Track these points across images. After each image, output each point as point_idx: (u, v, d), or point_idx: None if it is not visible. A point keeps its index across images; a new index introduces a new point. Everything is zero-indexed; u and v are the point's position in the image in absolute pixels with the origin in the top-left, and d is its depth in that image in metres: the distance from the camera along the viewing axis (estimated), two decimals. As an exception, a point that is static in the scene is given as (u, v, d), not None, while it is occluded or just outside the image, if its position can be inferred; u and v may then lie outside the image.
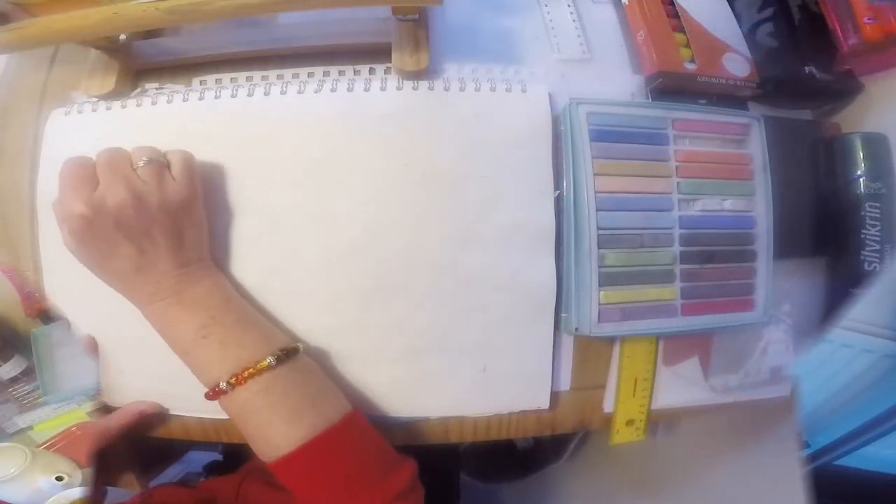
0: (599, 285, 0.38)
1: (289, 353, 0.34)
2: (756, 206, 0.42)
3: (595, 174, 0.38)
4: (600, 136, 0.38)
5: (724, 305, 0.41)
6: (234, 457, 0.65)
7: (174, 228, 0.33)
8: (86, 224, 0.31)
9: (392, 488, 0.33)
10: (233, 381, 0.32)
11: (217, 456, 0.73)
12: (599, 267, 0.38)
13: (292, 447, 0.32)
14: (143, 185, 0.32)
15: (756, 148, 0.42)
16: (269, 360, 0.33)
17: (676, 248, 0.40)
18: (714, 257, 0.40)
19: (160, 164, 0.33)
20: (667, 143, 0.40)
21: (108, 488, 0.47)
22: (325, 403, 0.34)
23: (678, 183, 0.40)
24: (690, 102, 0.42)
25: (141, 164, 0.33)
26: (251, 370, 0.32)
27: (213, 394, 0.33)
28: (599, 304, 0.38)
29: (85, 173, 0.32)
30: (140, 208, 0.32)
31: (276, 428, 0.32)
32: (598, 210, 0.38)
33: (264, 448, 0.33)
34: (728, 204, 0.41)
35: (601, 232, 0.38)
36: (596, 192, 0.38)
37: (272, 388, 0.33)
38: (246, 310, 0.36)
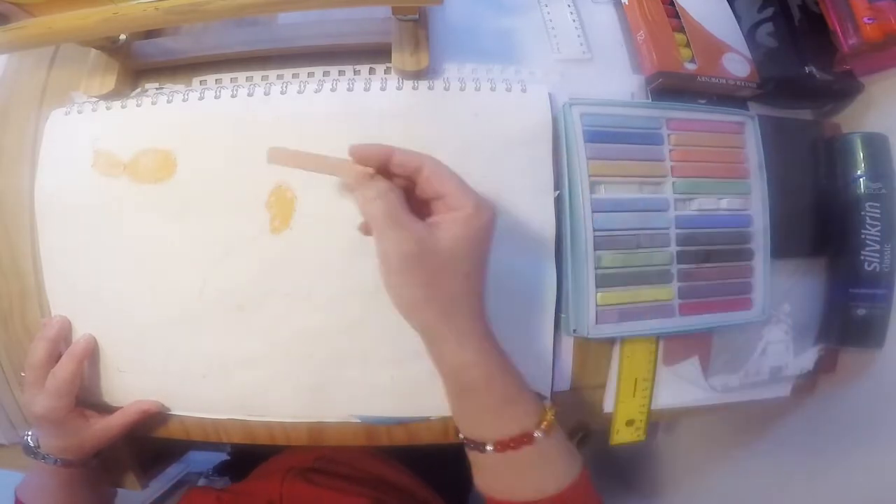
0: (597, 287, 0.38)
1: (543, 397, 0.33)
2: (752, 204, 0.42)
3: (590, 175, 0.38)
4: (595, 136, 0.39)
5: (722, 305, 0.41)
6: (243, 456, 0.65)
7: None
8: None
9: None
10: (545, 426, 0.30)
11: (224, 456, 0.73)
12: (596, 269, 0.38)
13: (560, 489, 0.30)
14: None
15: (751, 146, 0.42)
16: (548, 406, 0.31)
17: (673, 249, 0.40)
18: (711, 257, 0.40)
19: None
20: (662, 142, 0.40)
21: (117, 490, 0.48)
22: (576, 456, 0.33)
23: (674, 183, 0.40)
24: (690, 102, 0.42)
25: None
26: (550, 419, 0.31)
27: (517, 442, 0.30)
28: (597, 305, 0.38)
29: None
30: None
31: (552, 476, 0.31)
32: (593, 212, 0.38)
33: (521, 492, 0.31)
34: (724, 203, 0.41)
35: (597, 233, 0.38)
36: (591, 194, 0.38)
37: (558, 435, 0.31)
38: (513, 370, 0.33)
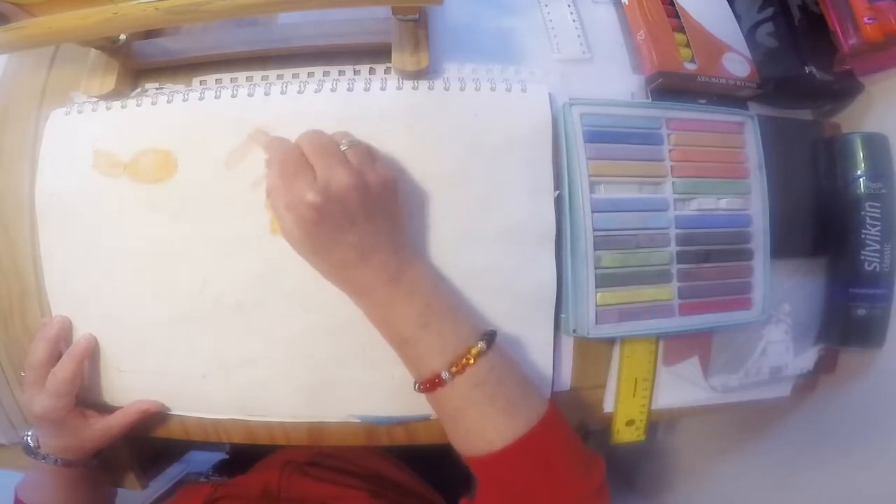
0: (596, 287, 0.38)
1: (491, 336, 0.33)
2: (752, 204, 0.42)
3: (590, 175, 0.38)
4: (595, 136, 0.38)
5: (722, 305, 0.41)
6: (242, 456, 0.65)
7: (389, 212, 0.33)
8: (315, 212, 0.30)
9: (594, 480, 0.33)
10: (454, 370, 0.31)
11: (223, 456, 0.73)
12: (596, 268, 0.38)
13: (507, 442, 0.31)
14: (358, 167, 0.31)
15: (751, 146, 0.42)
16: (480, 345, 0.32)
17: (673, 248, 0.40)
18: (711, 256, 0.40)
19: (363, 145, 0.33)
20: (661, 142, 0.40)
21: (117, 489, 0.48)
22: (532, 393, 0.33)
23: (674, 183, 0.40)
24: (690, 102, 0.42)
25: (344, 146, 0.32)
26: (468, 358, 0.31)
27: (431, 385, 0.32)
28: (597, 305, 0.38)
29: (299, 159, 0.31)
30: (362, 191, 0.30)
31: (492, 422, 0.31)
32: (593, 212, 0.38)
33: (473, 443, 0.32)
34: (724, 203, 0.41)
35: (597, 233, 0.38)
36: (591, 194, 0.38)
37: (488, 378, 0.31)
38: (451, 293, 0.35)
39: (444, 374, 0.31)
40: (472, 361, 0.31)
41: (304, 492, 0.45)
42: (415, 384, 0.33)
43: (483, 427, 0.31)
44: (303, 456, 0.51)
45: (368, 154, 0.33)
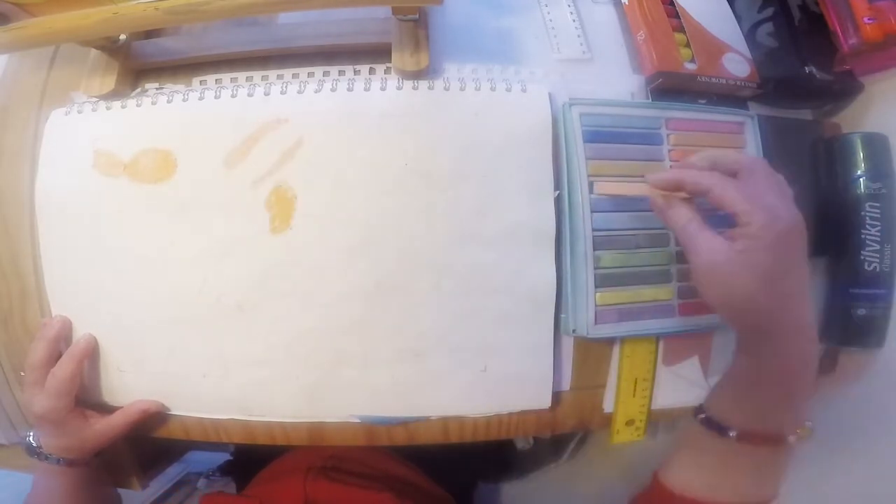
0: (596, 287, 0.38)
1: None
2: (753, 204, 0.41)
3: (590, 175, 0.38)
4: (594, 137, 0.38)
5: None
6: (246, 456, 0.65)
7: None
8: (791, 225, 0.30)
9: None
10: (799, 432, 0.32)
11: (226, 456, 0.73)
12: (595, 269, 0.38)
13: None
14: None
15: (751, 146, 0.42)
16: (808, 424, 0.32)
17: (672, 248, 0.40)
18: (711, 257, 0.40)
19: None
20: (661, 142, 0.40)
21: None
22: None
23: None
24: (690, 102, 0.42)
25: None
26: (802, 432, 0.32)
27: (763, 441, 0.32)
28: (596, 305, 0.38)
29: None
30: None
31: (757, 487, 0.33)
32: (592, 211, 0.38)
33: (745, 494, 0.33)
34: (724, 203, 0.41)
35: (596, 233, 0.38)
36: (591, 194, 0.38)
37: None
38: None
39: (791, 439, 0.31)
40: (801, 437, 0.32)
41: (332, 497, 0.45)
42: (728, 431, 0.32)
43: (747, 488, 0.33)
44: (319, 460, 0.51)
45: None
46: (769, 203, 0.30)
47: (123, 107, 0.40)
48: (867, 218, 0.42)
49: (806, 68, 0.42)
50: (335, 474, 0.48)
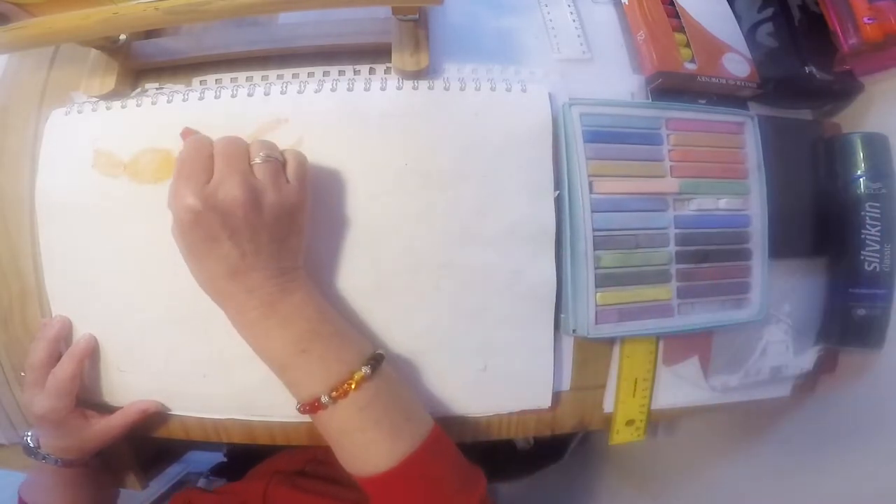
0: (596, 287, 0.38)
1: (378, 360, 0.33)
2: (751, 204, 0.42)
3: (590, 175, 0.38)
4: (594, 137, 0.39)
5: (721, 304, 0.41)
6: (239, 458, 0.65)
7: (280, 234, 0.32)
8: (192, 217, 0.29)
9: (475, 495, 0.34)
10: (335, 394, 0.31)
11: (221, 458, 0.73)
12: (595, 268, 0.38)
13: (393, 464, 0.31)
14: (258, 184, 0.30)
15: (751, 146, 0.42)
16: (365, 370, 0.32)
17: (672, 248, 0.40)
18: (709, 256, 0.40)
19: (277, 162, 0.32)
20: (661, 143, 0.40)
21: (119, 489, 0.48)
22: (417, 415, 0.34)
23: (673, 183, 0.40)
24: (690, 102, 0.42)
25: (258, 160, 0.31)
26: (350, 383, 0.31)
27: (311, 408, 0.32)
28: (596, 305, 0.38)
29: (201, 160, 0.30)
30: (251, 208, 0.30)
31: (377, 445, 0.31)
32: (593, 211, 0.38)
33: (360, 464, 0.32)
34: (723, 203, 0.41)
35: (597, 233, 0.38)
36: (591, 194, 0.38)
37: (373, 402, 0.32)
38: (338, 318, 0.34)
39: (325, 399, 0.31)
40: (353, 386, 0.31)
41: (286, 503, 0.45)
42: (296, 405, 0.33)
43: (367, 450, 0.32)
44: (295, 464, 0.51)
45: (279, 171, 0.32)
46: (172, 188, 0.30)
47: (123, 107, 0.40)
48: (867, 218, 0.42)
49: (806, 68, 0.42)
50: (301, 480, 0.48)
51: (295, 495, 0.46)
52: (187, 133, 0.34)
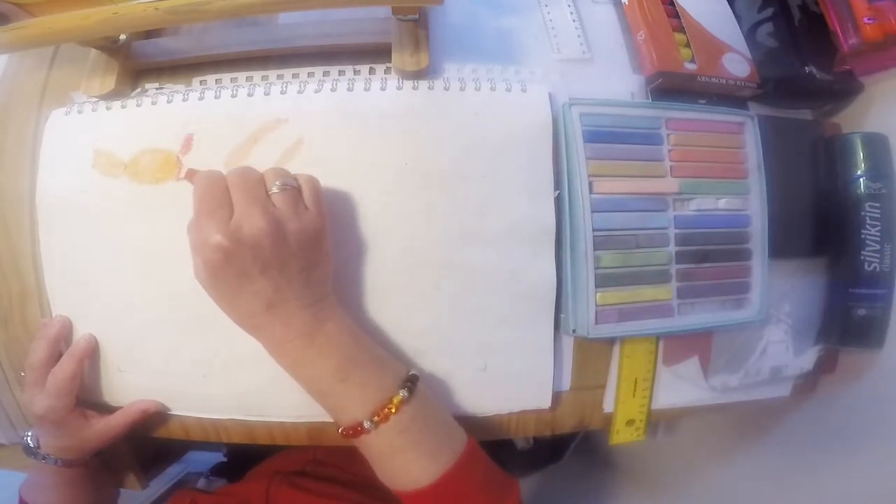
0: (596, 287, 0.38)
1: (413, 381, 0.33)
2: (751, 204, 0.42)
3: (589, 175, 0.38)
4: (594, 137, 0.39)
5: (721, 304, 0.41)
6: (239, 458, 0.65)
7: (307, 262, 0.31)
8: (222, 256, 0.29)
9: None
10: (376, 419, 0.31)
11: (220, 458, 0.73)
12: (595, 268, 0.38)
13: (431, 480, 0.32)
14: (280, 214, 0.30)
15: (751, 146, 0.42)
16: (403, 393, 0.32)
17: (672, 248, 0.40)
18: (709, 256, 0.40)
19: (294, 189, 0.31)
20: (661, 142, 0.40)
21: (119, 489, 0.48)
22: (452, 430, 0.35)
23: (673, 182, 0.40)
24: (690, 102, 0.42)
25: (276, 189, 0.30)
26: (390, 407, 0.32)
27: (354, 432, 0.32)
28: (596, 305, 0.38)
29: (218, 195, 0.30)
30: (277, 239, 0.29)
31: (417, 464, 0.32)
32: (593, 211, 0.38)
33: (400, 482, 0.33)
34: (723, 203, 0.41)
35: (597, 233, 0.38)
36: (591, 194, 0.38)
37: (411, 424, 0.32)
38: (371, 343, 0.35)
39: (367, 424, 0.31)
40: (394, 410, 0.32)
41: (288, 503, 0.45)
42: (339, 429, 0.33)
43: (408, 469, 0.33)
44: (295, 464, 0.51)
45: (297, 198, 0.31)
46: (195, 228, 0.30)
47: (123, 107, 0.40)
48: (867, 218, 0.42)
49: (806, 68, 0.42)
50: (301, 480, 0.49)
51: (297, 495, 0.46)
52: (191, 174, 0.34)
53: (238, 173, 0.31)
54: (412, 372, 0.35)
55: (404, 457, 0.33)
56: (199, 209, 0.30)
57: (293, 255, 0.30)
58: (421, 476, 0.32)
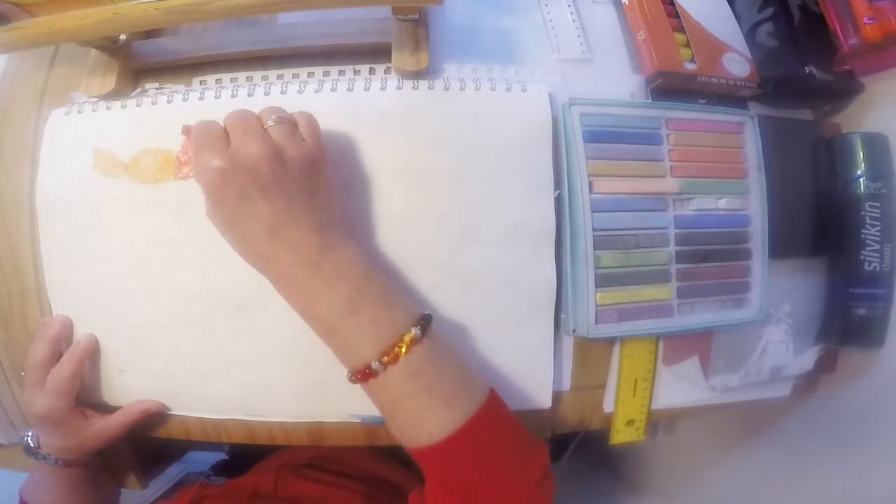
0: (596, 287, 0.38)
1: (427, 321, 0.31)
2: (751, 204, 0.42)
3: (590, 175, 0.38)
4: (594, 136, 0.39)
5: (720, 304, 0.41)
6: (241, 457, 0.65)
7: (308, 187, 0.31)
8: (220, 177, 0.29)
9: (537, 468, 0.32)
10: (385, 360, 0.29)
11: (223, 455, 0.73)
12: (595, 268, 0.38)
13: (448, 433, 0.29)
14: (277, 142, 0.30)
15: (751, 146, 0.42)
16: (415, 331, 0.30)
17: (672, 248, 0.40)
18: (709, 256, 0.41)
19: (290, 122, 0.31)
20: (661, 142, 0.40)
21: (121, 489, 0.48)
22: (471, 379, 0.32)
23: (673, 182, 0.40)
24: (690, 102, 0.42)
25: (270, 122, 0.31)
26: (400, 346, 0.30)
27: (363, 375, 0.30)
28: (596, 305, 0.38)
29: (216, 132, 0.30)
30: (276, 162, 0.29)
31: (430, 413, 0.30)
32: (593, 211, 0.38)
33: (413, 434, 0.31)
34: (723, 203, 0.41)
35: (597, 233, 0.38)
36: (591, 194, 0.38)
37: (424, 367, 0.30)
38: (383, 277, 0.33)
39: (375, 365, 0.30)
40: (403, 350, 0.30)
41: (298, 492, 0.45)
42: (347, 374, 0.32)
43: (421, 418, 0.30)
44: (301, 459, 0.51)
45: (293, 129, 0.31)
46: (195, 162, 0.30)
47: (123, 107, 0.40)
48: (867, 218, 0.42)
49: (806, 68, 0.42)
50: (309, 472, 0.48)
51: (306, 484, 0.46)
52: (187, 130, 0.34)
53: (234, 114, 0.31)
54: (426, 312, 0.33)
55: (416, 404, 0.30)
56: (197, 143, 0.30)
57: (292, 178, 0.30)
58: (435, 428, 0.30)
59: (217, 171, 0.29)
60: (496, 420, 0.32)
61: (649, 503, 0.73)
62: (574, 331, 0.38)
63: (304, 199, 0.31)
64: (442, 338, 0.33)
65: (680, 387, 0.43)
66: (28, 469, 0.41)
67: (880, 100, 0.45)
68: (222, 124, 0.31)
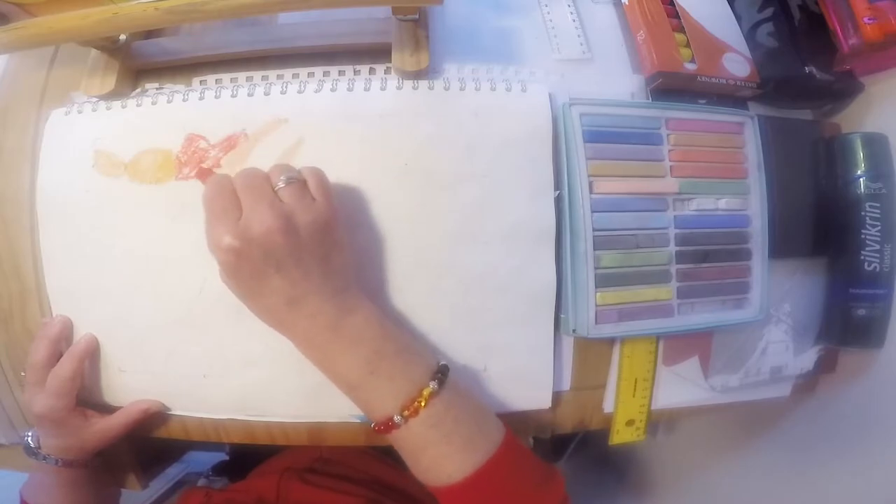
0: (596, 287, 0.38)
1: (444, 372, 0.33)
2: (751, 204, 0.42)
3: (590, 175, 0.38)
4: (594, 136, 0.39)
5: (721, 304, 0.41)
6: (241, 456, 0.65)
7: (321, 253, 0.31)
8: (234, 256, 0.29)
9: (554, 498, 0.34)
10: (406, 413, 0.31)
11: (223, 456, 0.73)
12: (595, 268, 0.38)
13: (466, 474, 0.31)
14: (287, 208, 0.30)
15: (751, 146, 0.42)
16: (433, 385, 0.32)
17: (672, 248, 0.40)
18: (709, 256, 0.41)
19: (300, 182, 0.31)
20: (661, 143, 0.40)
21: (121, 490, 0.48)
22: (488, 423, 0.34)
23: (673, 183, 0.40)
24: (690, 102, 0.42)
25: (281, 184, 0.30)
26: (420, 400, 0.31)
27: (386, 428, 0.32)
28: (596, 305, 0.38)
29: (226, 197, 0.30)
30: (288, 233, 0.29)
31: (450, 458, 0.32)
32: (593, 211, 0.38)
33: (434, 477, 0.32)
34: (723, 203, 0.41)
35: (597, 233, 0.38)
36: (591, 194, 0.38)
37: (444, 417, 0.32)
38: (400, 334, 0.34)
39: (397, 419, 0.31)
40: (423, 404, 0.31)
41: (301, 499, 0.45)
42: (370, 424, 0.33)
43: (442, 463, 0.32)
44: (303, 462, 0.51)
45: (304, 190, 0.31)
46: (208, 233, 0.30)
47: (123, 107, 0.40)
48: (867, 218, 0.42)
49: (806, 68, 0.42)
50: (311, 476, 0.48)
51: (308, 490, 0.46)
52: (204, 174, 0.35)
53: (243, 174, 0.31)
54: (442, 363, 0.34)
55: (437, 451, 0.32)
56: (209, 212, 0.30)
57: (306, 247, 0.30)
58: (455, 471, 0.31)
59: (230, 250, 0.29)
60: (513, 458, 0.33)
61: (649, 503, 0.73)
62: (574, 331, 0.38)
63: (320, 266, 0.31)
64: (459, 386, 0.34)
65: (680, 387, 0.43)
66: (28, 469, 0.41)
67: (880, 100, 0.45)
68: (227, 181, 0.31)
